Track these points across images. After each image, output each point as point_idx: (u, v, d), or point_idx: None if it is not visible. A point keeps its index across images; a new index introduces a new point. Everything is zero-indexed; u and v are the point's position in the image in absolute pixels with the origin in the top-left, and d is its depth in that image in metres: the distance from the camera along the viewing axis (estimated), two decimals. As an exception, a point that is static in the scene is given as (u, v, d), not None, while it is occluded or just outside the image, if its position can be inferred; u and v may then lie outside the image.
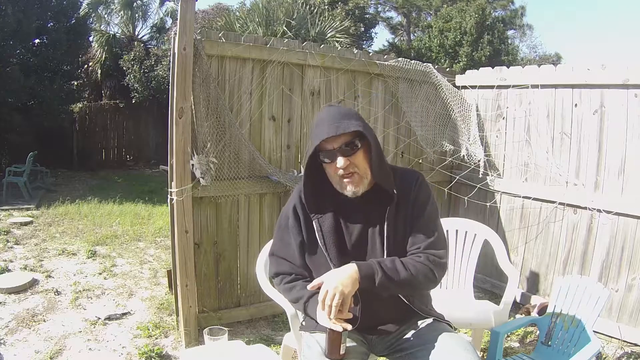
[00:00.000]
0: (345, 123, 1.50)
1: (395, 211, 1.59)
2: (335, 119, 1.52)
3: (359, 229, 1.63)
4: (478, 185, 3.76)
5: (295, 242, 1.67)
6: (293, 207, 1.67)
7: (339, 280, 1.46)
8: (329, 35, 9.94)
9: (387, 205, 1.59)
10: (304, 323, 1.82)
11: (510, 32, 17.48)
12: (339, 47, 4.80)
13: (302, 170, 3.26)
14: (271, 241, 1.87)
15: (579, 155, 3.24)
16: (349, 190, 1.56)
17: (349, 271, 1.48)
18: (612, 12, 44.00)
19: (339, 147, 1.51)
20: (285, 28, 9.48)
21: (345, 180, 1.55)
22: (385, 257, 1.59)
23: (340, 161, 1.51)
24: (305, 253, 1.67)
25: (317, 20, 10.25)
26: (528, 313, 3.32)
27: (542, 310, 3.07)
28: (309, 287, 1.56)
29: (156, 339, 3.00)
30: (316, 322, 1.57)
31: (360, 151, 1.54)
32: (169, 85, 2.94)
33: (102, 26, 14.09)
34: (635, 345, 2.92)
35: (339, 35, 10.20)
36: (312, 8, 11.06)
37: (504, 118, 3.72)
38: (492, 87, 3.74)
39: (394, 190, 1.58)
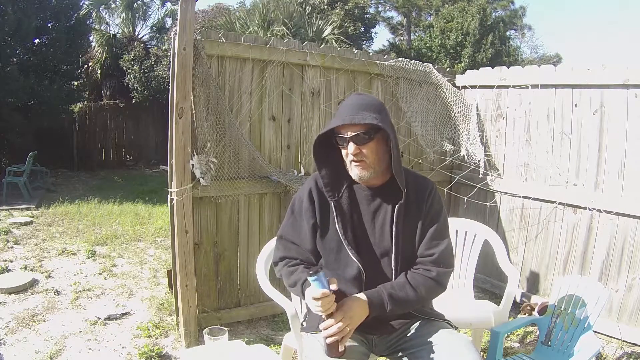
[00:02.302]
0: (362, 114, 1.53)
1: (405, 210, 1.63)
2: (354, 109, 1.56)
3: (370, 219, 1.67)
4: (478, 185, 3.76)
5: (308, 224, 1.70)
6: (309, 191, 1.71)
7: (357, 317, 1.52)
8: (325, 34, 9.98)
9: (396, 202, 1.63)
10: (304, 324, 1.82)
11: (510, 33, 17.49)
12: (336, 45, 4.80)
13: (302, 169, 3.28)
14: (271, 240, 1.87)
15: (579, 155, 3.24)
16: (355, 173, 1.61)
17: (362, 304, 1.54)
18: (612, 12, 44.03)
19: (352, 135, 1.55)
20: (284, 29, 9.51)
21: (354, 163, 1.60)
22: (393, 249, 1.62)
23: (351, 147, 1.56)
24: (317, 236, 1.70)
25: (313, 20, 10.29)
26: (530, 309, 3.32)
27: (542, 310, 3.07)
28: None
29: (156, 339, 3.00)
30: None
31: (372, 143, 1.57)
32: (169, 85, 2.94)
33: (102, 26, 14.09)
34: (635, 345, 2.92)
35: (335, 34, 10.24)
36: (311, 8, 11.08)
37: (504, 118, 3.72)
38: (492, 87, 3.74)
39: (404, 189, 1.62)
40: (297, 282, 1.64)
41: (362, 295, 1.57)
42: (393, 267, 1.63)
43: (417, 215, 1.65)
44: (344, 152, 1.60)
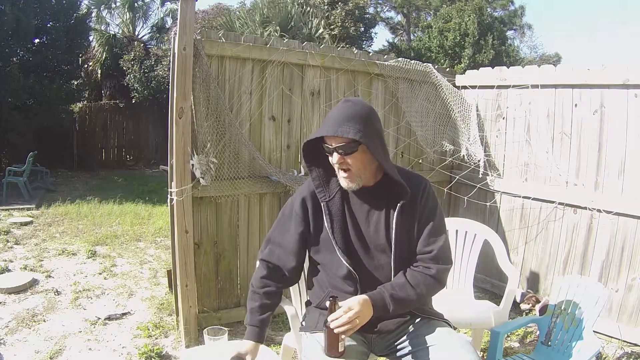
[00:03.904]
0: (346, 127, 1.53)
1: (401, 209, 1.63)
2: (339, 120, 1.55)
3: (364, 218, 1.68)
4: (478, 185, 3.76)
5: (296, 231, 1.71)
6: (302, 196, 1.72)
7: (363, 314, 1.52)
8: (320, 31, 10.01)
9: (395, 200, 1.63)
10: (304, 323, 1.82)
11: (509, 33, 17.49)
12: (334, 44, 4.80)
13: (302, 169, 3.28)
14: None
15: (579, 155, 3.24)
16: (343, 183, 1.63)
17: (367, 304, 1.54)
18: (612, 12, 44.06)
19: (336, 146, 1.56)
20: (283, 29, 9.52)
21: (341, 172, 1.62)
22: (392, 247, 1.62)
23: (335, 157, 1.59)
24: (311, 242, 1.72)
25: (311, 20, 10.31)
26: (535, 301, 3.32)
27: (542, 310, 3.07)
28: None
29: (156, 339, 3.00)
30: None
31: (357, 153, 1.57)
32: (169, 85, 2.94)
33: (103, 26, 14.07)
34: (635, 345, 2.92)
35: (332, 33, 10.27)
36: (311, 9, 11.09)
37: (504, 118, 3.72)
38: (492, 87, 3.74)
39: (408, 189, 1.62)
40: (251, 310, 1.69)
41: (364, 297, 1.57)
42: (393, 266, 1.64)
43: (412, 213, 1.65)
44: (330, 158, 1.62)
